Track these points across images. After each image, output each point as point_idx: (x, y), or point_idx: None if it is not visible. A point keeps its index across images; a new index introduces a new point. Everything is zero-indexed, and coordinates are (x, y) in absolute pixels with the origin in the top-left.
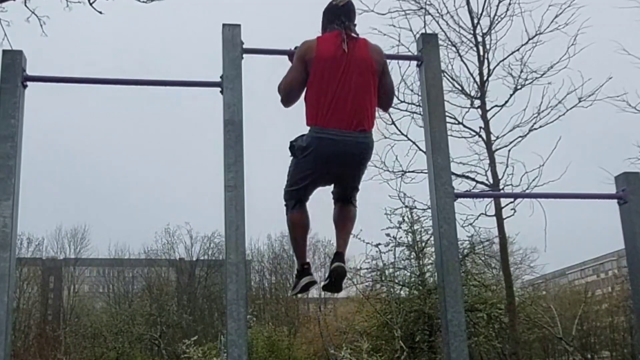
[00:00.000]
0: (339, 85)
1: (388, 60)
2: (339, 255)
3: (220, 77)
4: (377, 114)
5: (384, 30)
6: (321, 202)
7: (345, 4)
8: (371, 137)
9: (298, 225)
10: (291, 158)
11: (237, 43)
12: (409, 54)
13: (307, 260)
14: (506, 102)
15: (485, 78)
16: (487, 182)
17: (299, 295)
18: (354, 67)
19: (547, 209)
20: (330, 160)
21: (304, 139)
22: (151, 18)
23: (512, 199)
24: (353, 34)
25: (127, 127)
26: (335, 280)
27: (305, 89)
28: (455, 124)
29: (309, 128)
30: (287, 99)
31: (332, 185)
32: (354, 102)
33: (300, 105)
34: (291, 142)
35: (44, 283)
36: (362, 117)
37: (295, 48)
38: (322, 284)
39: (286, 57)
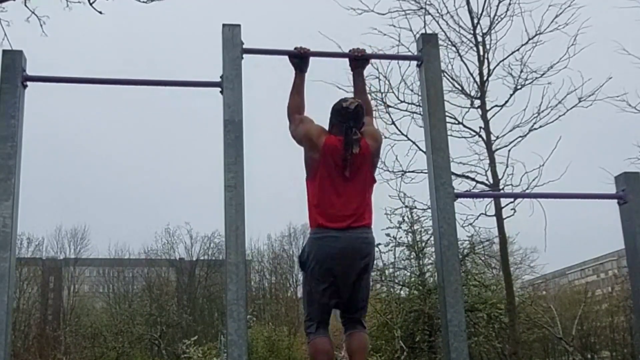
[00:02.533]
0: (340, 187)
1: (388, 61)
2: None
3: (220, 77)
4: (376, 114)
5: (384, 30)
6: None
7: (354, 108)
8: (371, 233)
9: (320, 352)
10: (303, 282)
11: (237, 43)
12: (409, 54)
13: None
14: (506, 102)
15: (485, 78)
16: (487, 182)
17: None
18: (354, 171)
19: (547, 209)
20: (333, 257)
21: (306, 246)
22: (151, 18)
23: (512, 199)
24: (355, 137)
25: (127, 127)
26: None
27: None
28: (455, 124)
29: (310, 233)
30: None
31: (342, 307)
32: (353, 202)
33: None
34: (299, 257)
35: (44, 283)
36: (362, 214)
37: (296, 48)
38: None
39: (286, 57)
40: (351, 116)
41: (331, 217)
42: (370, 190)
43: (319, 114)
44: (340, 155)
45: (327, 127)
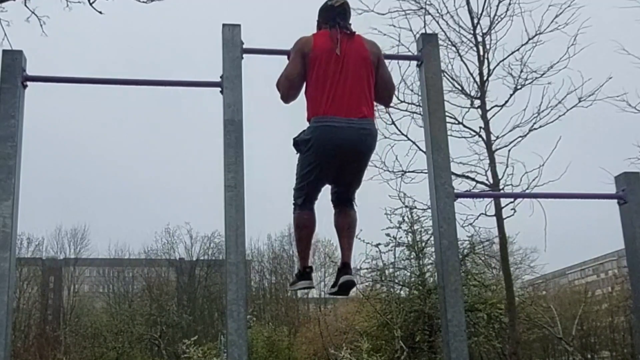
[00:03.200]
0: (335, 76)
1: (388, 61)
2: (346, 267)
3: (220, 77)
4: (377, 114)
5: (384, 30)
6: (321, 199)
7: (341, 4)
8: (373, 124)
9: (304, 226)
10: (297, 156)
11: (237, 43)
12: (409, 54)
13: (310, 264)
14: (506, 102)
15: (485, 78)
16: (487, 182)
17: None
18: (349, 59)
19: (547, 209)
20: (334, 146)
21: (305, 132)
22: (151, 18)
23: (512, 199)
24: (347, 32)
25: (127, 127)
26: (344, 291)
27: (304, 83)
28: (455, 124)
29: (309, 122)
30: (287, 93)
31: (332, 186)
32: (351, 91)
33: (300, 103)
34: (294, 139)
35: (44, 283)
36: (361, 105)
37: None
38: (330, 290)
39: (286, 57)
40: (338, 12)
41: (330, 106)
42: (371, 90)
43: None
44: (331, 42)
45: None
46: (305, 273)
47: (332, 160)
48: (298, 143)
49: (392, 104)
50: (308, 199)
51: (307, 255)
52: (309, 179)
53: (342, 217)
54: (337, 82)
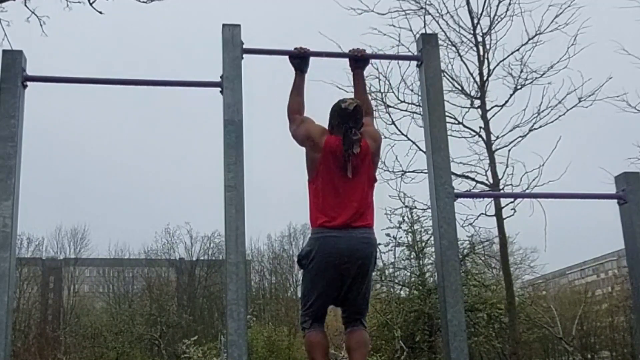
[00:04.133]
0: (340, 187)
1: (388, 61)
2: None
3: (220, 77)
4: (377, 114)
5: (384, 30)
6: None
7: (353, 108)
8: (373, 233)
9: (316, 345)
10: (302, 279)
11: (237, 43)
12: (409, 54)
13: None
14: (506, 102)
15: (485, 78)
16: (487, 182)
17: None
18: (356, 172)
19: (547, 209)
20: (335, 255)
21: (307, 245)
22: (151, 18)
23: (512, 199)
24: (354, 137)
25: (127, 127)
26: None
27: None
28: (455, 124)
29: (311, 232)
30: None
31: (341, 308)
32: (353, 202)
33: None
34: (298, 255)
35: (44, 283)
36: (362, 214)
37: (296, 49)
38: None
39: (286, 57)
40: (350, 117)
41: (333, 218)
42: (371, 191)
43: (319, 113)
44: (341, 155)
45: (327, 127)
46: None
47: (334, 270)
48: (301, 259)
49: (391, 105)
50: (316, 321)
51: None
52: (313, 296)
53: (352, 340)
54: (341, 192)
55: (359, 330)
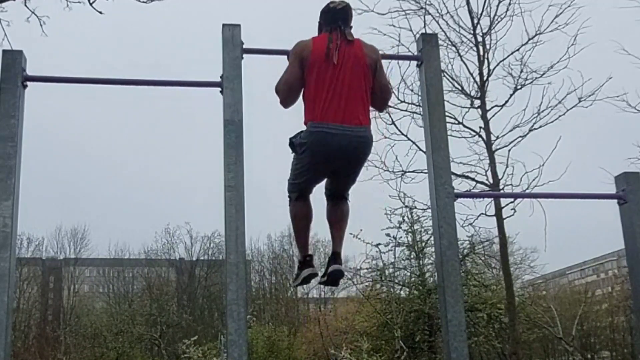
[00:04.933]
0: (332, 83)
1: (388, 61)
2: (335, 256)
3: (220, 77)
4: (376, 114)
5: (384, 30)
6: (321, 201)
7: (342, 7)
8: (369, 131)
9: (300, 216)
10: (292, 154)
11: (237, 43)
12: (409, 54)
13: (310, 252)
14: (506, 102)
15: (485, 78)
16: (487, 182)
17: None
18: (347, 66)
19: (547, 209)
20: (329, 153)
21: (302, 135)
22: (151, 18)
23: (512, 199)
24: (348, 37)
25: (128, 127)
26: (333, 281)
27: (303, 87)
28: (455, 124)
29: (306, 126)
30: (286, 98)
31: (326, 181)
32: (348, 98)
33: (300, 103)
34: (290, 139)
35: (44, 283)
36: (357, 112)
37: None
38: (320, 280)
39: (285, 57)
40: (339, 15)
41: (327, 113)
42: (367, 97)
43: None
44: (328, 45)
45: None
46: (306, 262)
47: (327, 165)
48: (294, 144)
49: (391, 105)
50: (302, 194)
51: (307, 244)
52: (303, 178)
53: (335, 210)
54: (334, 88)
55: (342, 204)
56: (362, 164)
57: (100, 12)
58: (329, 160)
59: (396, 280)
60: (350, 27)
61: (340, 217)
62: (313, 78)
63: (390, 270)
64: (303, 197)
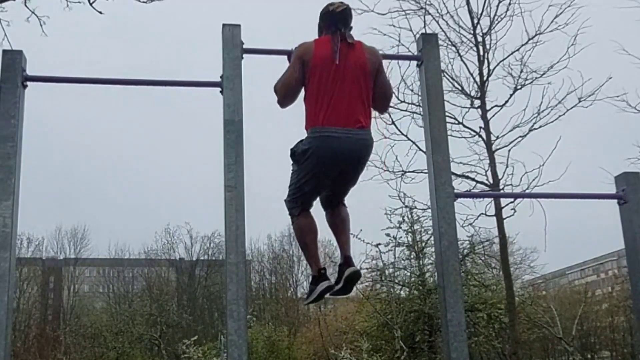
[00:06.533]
0: (334, 87)
1: (388, 61)
2: (348, 260)
3: (220, 77)
4: (375, 114)
5: (384, 30)
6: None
7: (342, 10)
8: (370, 134)
9: (307, 231)
10: (291, 169)
11: (237, 43)
12: (409, 54)
13: (322, 265)
14: (506, 102)
15: (485, 78)
16: (487, 182)
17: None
18: (348, 69)
19: (547, 209)
20: (333, 157)
21: (304, 142)
22: (151, 18)
23: (512, 199)
24: (349, 40)
25: (128, 127)
26: (349, 285)
27: (302, 89)
28: (455, 124)
29: (307, 132)
30: (284, 98)
31: (328, 192)
32: (350, 101)
33: (299, 104)
34: (291, 149)
35: (44, 283)
36: (358, 115)
37: (296, 48)
38: (335, 289)
39: (286, 57)
40: (339, 18)
41: (329, 117)
42: (368, 98)
43: None
44: (331, 47)
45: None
46: (321, 275)
47: (330, 170)
48: (295, 154)
49: (391, 105)
50: (304, 208)
51: (318, 257)
52: (306, 189)
53: (337, 216)
54: (336, 92)
55: (341, 209)
56: (364, 167)
57: (100, 12)
58: (333, 164)
59: (396, 280)
60: (351, 29)
61: (343, 222)
62: (315, 82)
63: (390, 270)
64: (305, 212)
